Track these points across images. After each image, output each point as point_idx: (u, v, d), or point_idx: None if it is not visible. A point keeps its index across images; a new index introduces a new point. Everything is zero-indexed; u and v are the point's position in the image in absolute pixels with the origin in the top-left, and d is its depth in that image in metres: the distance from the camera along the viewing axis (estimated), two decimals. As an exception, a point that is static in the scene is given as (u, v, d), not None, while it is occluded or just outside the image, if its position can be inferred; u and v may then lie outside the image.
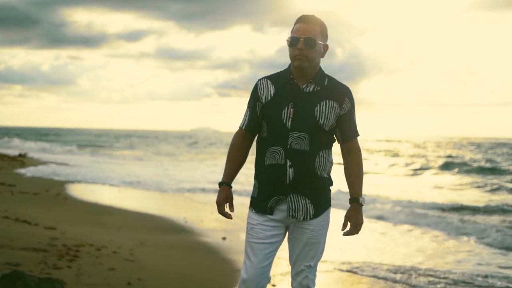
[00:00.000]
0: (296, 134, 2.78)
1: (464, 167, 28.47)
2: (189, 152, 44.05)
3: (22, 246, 5.73)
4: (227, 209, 3.01)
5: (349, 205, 2.95)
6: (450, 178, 22.80)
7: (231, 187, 3.02)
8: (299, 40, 2.78)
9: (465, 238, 9.03)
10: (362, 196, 2.93)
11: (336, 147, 2.99)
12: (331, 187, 2.95)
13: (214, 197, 13.87)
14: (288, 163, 2.79)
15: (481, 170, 27.06)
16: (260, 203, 2.89)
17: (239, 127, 3.01)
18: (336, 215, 3.50)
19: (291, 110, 2.79)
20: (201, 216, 10.38)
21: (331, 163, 2.91)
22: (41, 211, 8.88)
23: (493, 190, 18.39)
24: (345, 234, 2.94)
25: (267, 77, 2.91)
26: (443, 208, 12.64)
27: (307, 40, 2.76)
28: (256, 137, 2.98)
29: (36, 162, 22.78)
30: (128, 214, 9.81)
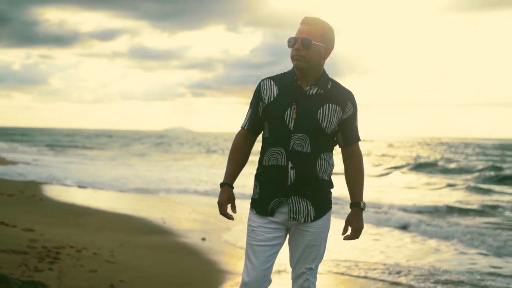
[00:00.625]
0: (298, 135, 2.78)
1: (433, 168, 28.86)
2: (161, 152, 43.82)
3: (1, 248, 5.66)
4: (229, 210, 2.99)
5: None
6: (419, 179, 23.06)
7: (233, 187, 3.00)
8: (297, 40, 2.79)
9: (434, 239, 9.14)
10: (363, 201, 2.93)
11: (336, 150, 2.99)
12: (332, 190, 2.95)
13: (189, 197, 13.89)
14: (290, 165, 2.78)
15: (450, 170, 27.50)
16: (261, 204, 2.87)
17: (241, 127, 3.00)
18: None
19: (294, 111, 2.78)
20: (178, 216, 10.36)
21: (332, 165, 2.91)
22: (17, 213, 8.77)
23: (459, 189, 18.71)
24: (346, 238, 2.94)
25: (271, 78, 2.90)
26: (420, 210, 12.73)
27: (304, 40, 2.76)
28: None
29: (6, 162, 22.44)
30: (105, 215, 9.73)
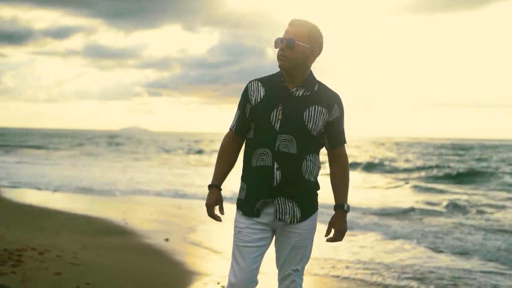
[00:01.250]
0: (284, 136, 2.78)
1: (384, 167, 29.25)
2: (115, 152, 43.24)
3: (-40, 251, 5.48)
4: (217, 212, 2.98)
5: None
6: (374, 179, 23.38)
7: (221, 189, 2.99)
8: (282, 41, 2.79)
9: (397, 240, 9.30)
10: (347, 203, 2.93)
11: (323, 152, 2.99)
12: (318, 192, 2.95)
13: (147, 198, 13.74)
14: (276, 166, 2.78)
15: (401, 170, 27.99)
16: (247, 205, 2.86)
17: (229, 129, 2.99)
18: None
19: (280, 112, 2.78)
20: (139, 217, 10.25)
21: (319, 167, 2.91)
22: (-27, 215, 8.51)
23: (409, 189, 19.11)
24: (329, 240, 2.94)
25: (258, 79, 2.91)
26: (379, 212, 12.85)
27: (288, 41, 2.77)
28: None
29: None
30: (65, 216, 9.54)
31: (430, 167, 28.15)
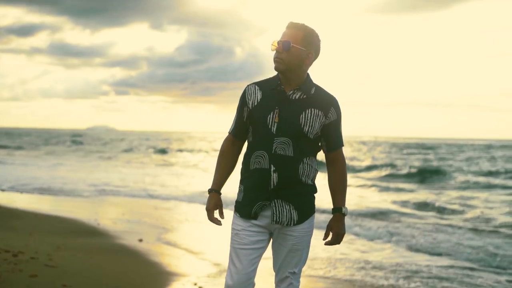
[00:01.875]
0: (281, 139, 2.79)
1: (352, 167, 29.43)
2: (79, 151, 42.73)
3: None
4: (216, 216, 2.98)
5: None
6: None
7: (220, 194, 2.99)
8: (278, 43, 2.80)
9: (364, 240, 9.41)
10: (345, 206, 2.94)
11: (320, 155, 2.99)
12: (315, 194, 2.96)
13: (116, 199, 13.58)
14: (272, 168, 2.79)
15: (368, 170, 28.27)
16: (245, 207, 2.87)
17: (228, 133, 3.00)
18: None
19: (277, 115, 2.79)
20: (111, 218, 10.16)
21: (316, 170, 2.91)
22: None
23: (372, 188, 19.34)
24: (327, 243, 2.94)
25: (256, 83, 2.92)
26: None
27: (283, 43, 2.78)
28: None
29: None
30: (35, 217, 9.40)
31: (395, 166, 28.51)
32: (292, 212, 2.84)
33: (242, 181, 2.94)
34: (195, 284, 5.54)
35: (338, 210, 2.92)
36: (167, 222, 10.04)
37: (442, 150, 54.70)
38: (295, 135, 2.79)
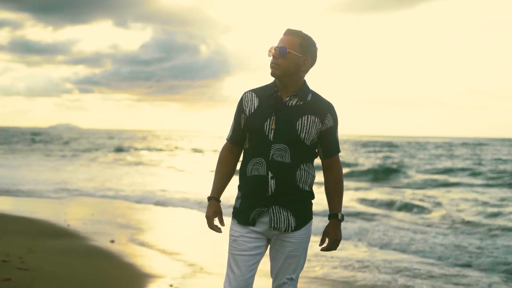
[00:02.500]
0: (278, 146, 2.80)
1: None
2: (40, 150, 42.01)
3: None
4: (216, 223, 2.98)
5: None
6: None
7: (220, 201, 2.99)
8: (275, 49, 2.81)
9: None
10: (341, 212, 2.95)
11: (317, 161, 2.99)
12: (312, 201, 2.97)
13: (83, 199, 13.41)
14: (270, 175, 2.80)
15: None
16: (243, 213, 2.89)
17: (226, 140, 3.01)
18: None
19: (273, 122, 2.81)
20: (81, 218, 10.05)
21: (313, 176, 2.93)
22: None
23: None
24: (323, 249, 2.96)
25: (252, 90, 2.93)
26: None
27: (280, 49, 2.80)
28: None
29: None
30: (4, 219, 9.24)
31: (356, 165, 28.83)
32: (290, 219, 2.85)
33: (239, 188, 2.95)
34: (171, 285, 5.54)
35: (335, 216, 2.93)
36: (137, 223, 9.98)
37: (404, 148, 55.51)
38: (292, 142, 2.80)
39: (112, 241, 7.78)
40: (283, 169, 2.80)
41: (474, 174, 25.68)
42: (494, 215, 12.33)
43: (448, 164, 32.34)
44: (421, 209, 13.32)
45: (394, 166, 27.53)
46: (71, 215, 10.43)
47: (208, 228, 2.98)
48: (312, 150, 2.91)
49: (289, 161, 2.81)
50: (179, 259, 6.94)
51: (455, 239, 9.15)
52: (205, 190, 16.38)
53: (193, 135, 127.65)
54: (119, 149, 46.58)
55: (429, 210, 13.21)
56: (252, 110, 2.88)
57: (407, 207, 13.63)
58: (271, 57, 2.83)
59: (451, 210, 13.18)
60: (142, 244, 7.87)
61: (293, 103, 2.85)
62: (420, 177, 23.30)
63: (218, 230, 2.96)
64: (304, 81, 2.90)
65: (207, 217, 2.97)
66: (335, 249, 2.95)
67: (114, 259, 6.69)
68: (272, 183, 2.80)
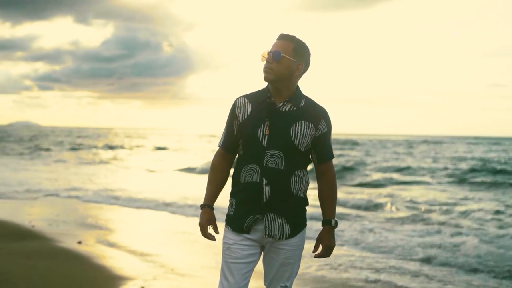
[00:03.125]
0: (272, 152, 2.77)
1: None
2: (1, 149, 41.11)
3: None
4: (210, 231, 2.94)
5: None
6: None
7: (213, 209, 2.95)
8: (268, 54, 2.79)
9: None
10: (335, 218, 2.93)
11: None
12: (306, 207, 2.93)
13: (46, 199, 13.12)
14: (264, 181, 2.77)
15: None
16: (237, 221, 2.85)
17: (218, 146, 2.97)
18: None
19: (267, 128, 2.77)
20: (46, 219, 9.85)
21: (307, 183, 2.90)
22: None
23: None
24: (317, 256, 2.94)
25: (245, 96, 2.90)
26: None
27: (274, 53, 2.77)
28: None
29: None
30: (-35, 220, 9.00)
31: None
32: (284, 226, 2.82)
33: (233, 195, 2.91)
34: (142, 287, 5.48)
35: (328, 222, 2.91)
36: (104, 223, 9.84)
37: (365, 147, 56.14)
38: (286, 148, 2.77)
39: (80, 242, 7.66)
40: (278, 176, 2.78)
41: (432, 171, 26.22)
42: (449, 212, 12.61)
43: (407, 162, 32.88)
44: (375, 207, 13.42)
45: (350, 164, 27.76)
46: (35, 216, 10.22)
47: (201, 236, 2.93)
48: (306, 156, 2.88)
49: (283, 168, 2.78)
50: (149, 260, 6.87)
51: (418, 237, 9.30)
52: (171, 190, 16.28)
53: (155, 133, 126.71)
54: (80, 147, 45.88)
55: (386, 209, 13.31)
56: (245, 116, 2.84)
57: (378, 205, 13.75)
58: (264, 62, 2.80)
59: (409, 207, 13.39)
60: (110, 245, 7.77)
61: (287, 109, 2.82)
62: (378, 175, 23.58)
63: (212, 238, 2.92)
64: (297, 86, 2.88)
65: (200, 225, 2.92)
66: (329, 255, 2.93)
67: (83, 261, 6.58)
68: (266, 190, 2.77)
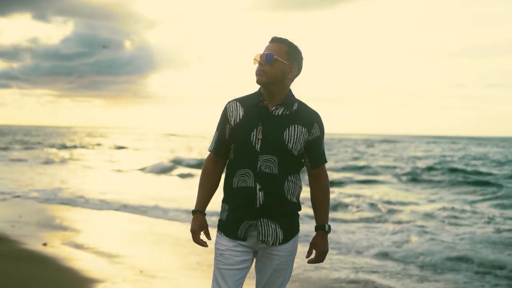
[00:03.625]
0: (266, 157, 2.73)
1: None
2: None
3: None
4: (202, 237, 2.89)
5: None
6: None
7: (205, 214, 2.91)
8: (261, 56, 2.77)
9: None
10: (328, 223, 2.90)
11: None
12: (299, 212, 2.90)
13: (5, 200, 12.81)
14: (258, 187, 2.73)
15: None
16: (230, 226, 2.81)
17: (209, 151, 2.91)
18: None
19: (260, 132, 2.74)
20: (8, 221, 9.66)
21: (300, 187, 2.87)
22: None
23: None
24: (310, 261, 2.90)
25: (237, 99, 2.85)
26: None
27: (266, 55, 2.75)
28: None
29: None
30: None
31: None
32: (278, 231, 2.79)
33: (225, 200, 2.86)
34: (112, 289, 5.46)
35: (322, 227, 2.88)
36: (69, 224, 9.70)
37: (326, 146, 56.21)
38: (280, 152, 2.74)
39: (45, 244, 7.55)
40: (271, 181, 2.74)
41: (391, 170, 26.68)
42: (411, 211, 12.86)
43: (367, 161, 33.36)
44: (338, 207, 13.53)
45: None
46: (-4, 217, 10.02)
47: (193, 242, 2.87)
48: (299, 161, 2.85)
49: (277, 172, 2.75)
50: (117, 262, 6.83)
51: (389, 235, 9.48)
52: (133, 190, 16.14)
53: (117, 132, 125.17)
54: (38, 147, 44.99)
55: (351, 209, 13.44)
56: (237, 120, 2.80)
57: (342, 205, 13.87)
58: (257, 65, 2.78)
59: (372, 207, 13.59)
60: (77, 246, 7.68)
61: (279, 113, 2.79)
62: (338, 175, 23.82)
63: (204, 244, 2.87)
64: (290, 90, 2.85)
65: (192, 231, 2.87)
66: (322, 261, 2.90)
67: (49, 263, 6.50)
68: (260, 195, 2.74)
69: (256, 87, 2.87)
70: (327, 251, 2.89)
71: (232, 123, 2.81)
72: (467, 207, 13.98)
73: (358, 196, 16.09)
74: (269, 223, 2.78)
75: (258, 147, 2.74)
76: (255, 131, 2.75)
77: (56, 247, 7.51)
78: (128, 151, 42.77)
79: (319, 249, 2.88)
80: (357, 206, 13.68)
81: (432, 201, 15.73)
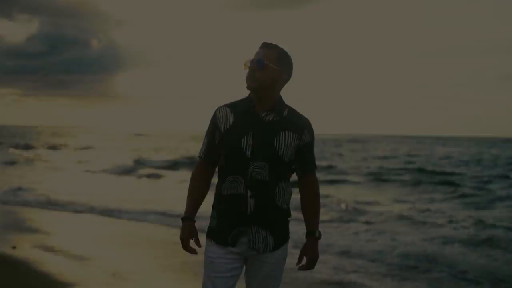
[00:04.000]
0: (256, 163, 2.71)
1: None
2: None
3: None
4: (192, 245, 2.86)
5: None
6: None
7: (195, 221, 2.85)
8: (251, 61, 2.75)
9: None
10: (319, 230, 2.88)
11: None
12: (289, 218, 2.88)
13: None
14: (249, 193, 2.71)
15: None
16: (221, 233, 2.78)
17: (198, 158, 2.89)
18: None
19: (251, 138, 2.71)
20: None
21: (290, 194, 2.84)
22: None
23: None
24: (301, 268, 2.89)
25: (227, 105, 2.82)
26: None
27: (257, 61, 2.73)
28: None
29: None
30: None
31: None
32: (268, 238, 2.78)
33: (215, 207, 2.85)
34: (86, 293, 5.46)
35: (312, 234, 2.87)
36: (37, 227, 9.60)
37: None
38: (271, 159, 2.72)
39: (14, 247, 7.48)
40: (262, 187, 2.72)
41: (358, 170, 27.00)
42: (379, 212, 13.07)
43: (334, 161, 33.64)
44: (331, 207, 13.57)
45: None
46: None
47: (183, 250, 2.84)
48: (289, 167, 2.83)
49: (267, 179, 2.73)
50: (90, 264, 6.81)
51: (362, 235, 9.63)
52: (101, 191, 15.97)
53: (83, 132, 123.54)
54: (1, 147, 44.09)
55: (337, 208, 13.53)
56: (227, 126, 2.77)
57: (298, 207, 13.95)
58: (247, 70, 2.77)
59: (340, 207, 13.71)
60: (47, 249, 7.61)
61: (270, 119, 2.76)
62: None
63: (194, 252, 2.83)
64: (280, 96, 2.84)
65: (181, 238, 2.82)
66: (313, 267, 2.89)
67: (20, 267, 6.44)
68: (251, 202, 2.72)
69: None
70: (318, 257, 2.87)
71: (222, 129, 2.78)
72: (432, 207, 14.29)
73: (326, 196, 16.25)
74: (260, 230, 2.76)
75: (249, 154, 2.72)
76: (245, 137, 2.73)
77: (26, 250, 7.43)
78: (94, 151, 42.25)
79: (310, 255, 2.87)
80: (324, 206, 13.82)
81: (399, 201, 16.00)
